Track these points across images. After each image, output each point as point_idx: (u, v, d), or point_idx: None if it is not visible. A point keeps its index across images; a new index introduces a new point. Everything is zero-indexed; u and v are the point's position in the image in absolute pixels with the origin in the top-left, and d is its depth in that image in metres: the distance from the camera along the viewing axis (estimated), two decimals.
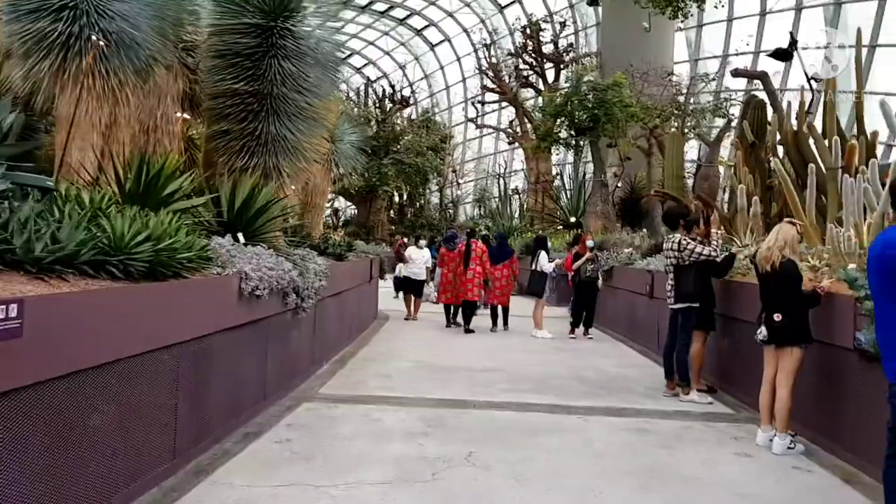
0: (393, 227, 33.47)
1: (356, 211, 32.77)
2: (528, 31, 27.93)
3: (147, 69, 7.30)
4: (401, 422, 6.12)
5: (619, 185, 21.31)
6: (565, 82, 25.66)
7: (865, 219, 6.14)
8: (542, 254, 12.23)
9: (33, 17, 6.55)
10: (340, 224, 32.65)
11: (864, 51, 12.65)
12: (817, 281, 5.76)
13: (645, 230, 16.09)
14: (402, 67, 45.86)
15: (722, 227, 8.74)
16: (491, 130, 35.80)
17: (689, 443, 5.75)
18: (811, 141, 8.64)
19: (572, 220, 22.46)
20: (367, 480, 4.54)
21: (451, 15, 39.88)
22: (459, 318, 12.93)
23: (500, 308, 12.99)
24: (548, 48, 27.77)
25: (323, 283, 7.65)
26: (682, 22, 21.02)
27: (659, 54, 23.87)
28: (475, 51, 35.51)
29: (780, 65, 18.17)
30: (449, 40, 41.56)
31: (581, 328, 12.12)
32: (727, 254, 7.51)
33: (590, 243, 12.45)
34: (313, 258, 7.76)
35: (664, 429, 6.16)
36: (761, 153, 10.65)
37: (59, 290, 3.43)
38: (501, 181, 34.46)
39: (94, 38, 6.53)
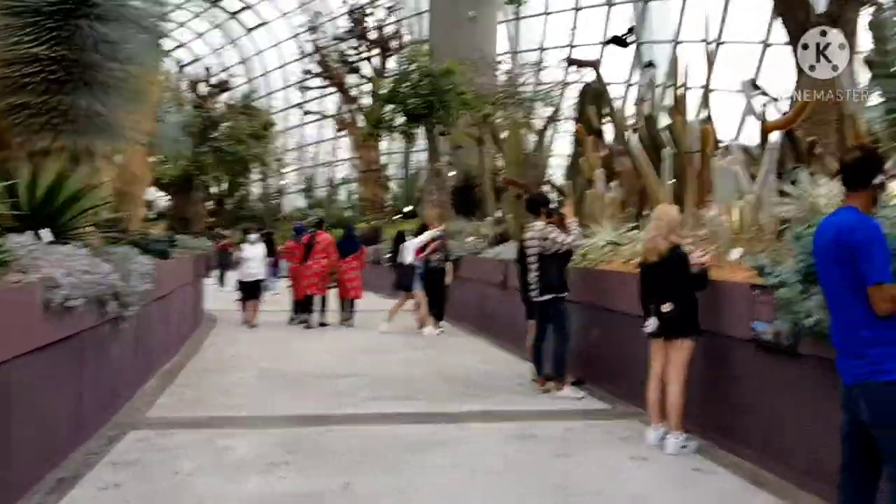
0: (212, 220, 31.42)
1: (172, 202, 30.26)
2: (353, 14, 27.11)
3: None
4: (254, 449, 5.19)
5: (452, 173, 21.15)
6: (398, 68, 25.22)
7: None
8: (405, 246, 11.57)
9: None
10: (155, 216, 30.05)
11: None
12: (697, 257, 5.45)
13: (488, 219, 15.91)
14: (217, 51, 43.12)
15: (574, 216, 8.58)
16: (316, 117, 34.52)
17: (579, 447, 5.34)
18: (666, 125, 8.74)
19: (407, 209, 22.01)
20: None
21: None
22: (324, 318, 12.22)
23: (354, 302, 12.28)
24: (374, 35, 27.14)
25: (148, 285, 6.55)
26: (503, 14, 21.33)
27: (485, 44, 24.08)
28: (296, 35, 33.90)
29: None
30: (266, 24, 39.63)
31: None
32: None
33: (435, 233, 11.77)
34: (135, 257, 6.60)
35: (550, 433, 5.71)
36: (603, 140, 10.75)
37: None
38: (328, 170, 33.42)
39: None
